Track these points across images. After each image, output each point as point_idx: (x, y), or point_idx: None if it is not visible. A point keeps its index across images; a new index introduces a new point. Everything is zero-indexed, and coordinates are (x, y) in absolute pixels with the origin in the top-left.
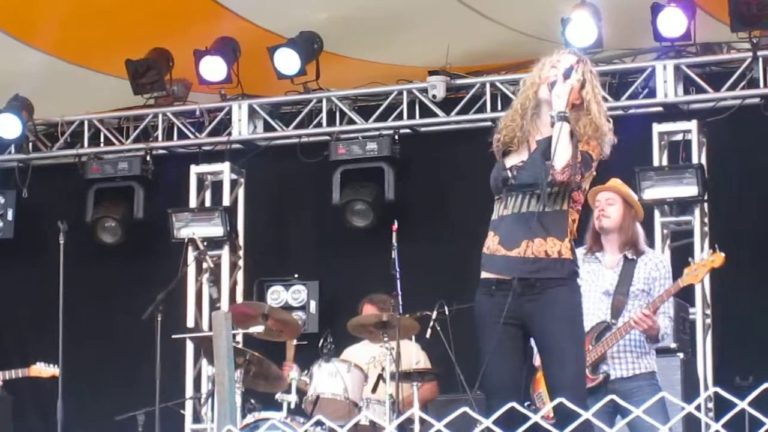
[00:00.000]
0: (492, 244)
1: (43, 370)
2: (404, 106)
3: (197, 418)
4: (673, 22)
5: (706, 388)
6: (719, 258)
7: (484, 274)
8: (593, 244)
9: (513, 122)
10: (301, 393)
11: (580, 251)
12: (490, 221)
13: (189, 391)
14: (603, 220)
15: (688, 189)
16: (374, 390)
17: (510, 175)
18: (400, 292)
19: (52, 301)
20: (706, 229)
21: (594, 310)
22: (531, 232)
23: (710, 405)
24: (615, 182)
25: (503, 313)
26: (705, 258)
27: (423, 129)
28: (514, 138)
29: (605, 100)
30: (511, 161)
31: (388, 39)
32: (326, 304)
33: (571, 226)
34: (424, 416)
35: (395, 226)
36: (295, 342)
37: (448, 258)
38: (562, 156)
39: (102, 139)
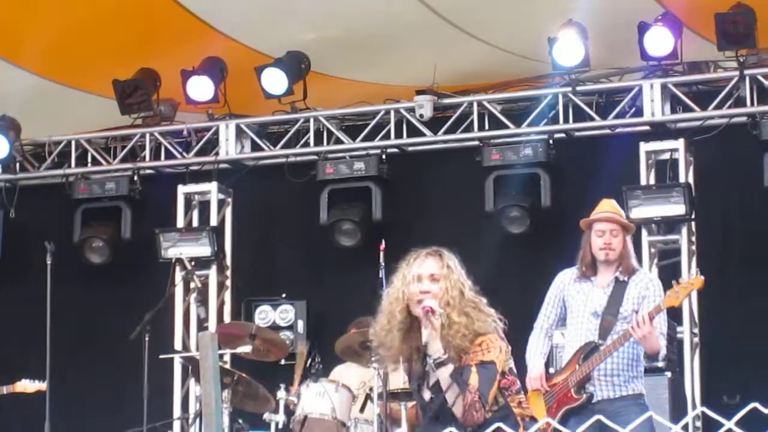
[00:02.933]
0: None
1: (28, 385)
2: (391, 125)
3: None
4: (660, 41)
5: (694, 407)
6: (698, 281)
7: None
8: (588, 270)
9: (391, 342)
10: (289, 413)
11: (572, 272)
12: None
13: (177, 411)
14: (610, 254)
15: (676, 208)
16: (362, 410)
17: (434, 406)
18: None
19: (39, 321)
20: (694, 247)
21: (582, 330)
22: None
23: (698, 424)
24: (613, 208)
25: None
26: (687, 281)
27: (410, 148)
28: (399, 356)
29: (591, 119)
30: (425, 391)
31: (375, 59)
32: (314, 324)
33: None
34: None
35: (383, 245)
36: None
37: None
38: (457, 405)
39: (89, 159)
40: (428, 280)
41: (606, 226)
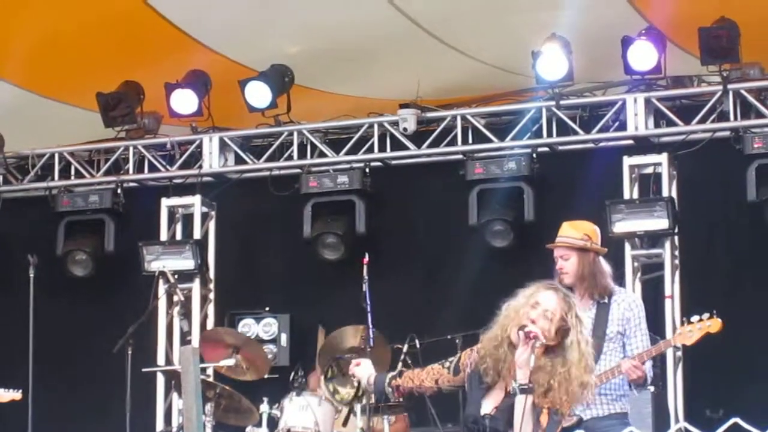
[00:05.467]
0: None
1: (3, 394)
2: (375, 139)
3: None
4: (643, 56)
5: (677, 421)
6: (716, 324)
7: None
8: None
9: (496, 352)
10: (273, 425)
11: None
12: None
13: (160, 424)
14: (564, 278)
15: (659, 222)
16: (345, 423)
17: (487, 424)
18: (371, 326)
19: (22, 334)
20: (677, 261)
21: None
22: None
23: None
24: (566, 231)
25: None
26: (703, 321)
27: (394, 162)
28: (497, 368)
29: (575, 133)
30: (486, 405)
31: (359, 72)
32: (297, 337)
33: None
34: None
35: (366, 259)
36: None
37: (419, 291)
38: None
39: (73, 172)
40: (542, 314)
41: (556, 252)
